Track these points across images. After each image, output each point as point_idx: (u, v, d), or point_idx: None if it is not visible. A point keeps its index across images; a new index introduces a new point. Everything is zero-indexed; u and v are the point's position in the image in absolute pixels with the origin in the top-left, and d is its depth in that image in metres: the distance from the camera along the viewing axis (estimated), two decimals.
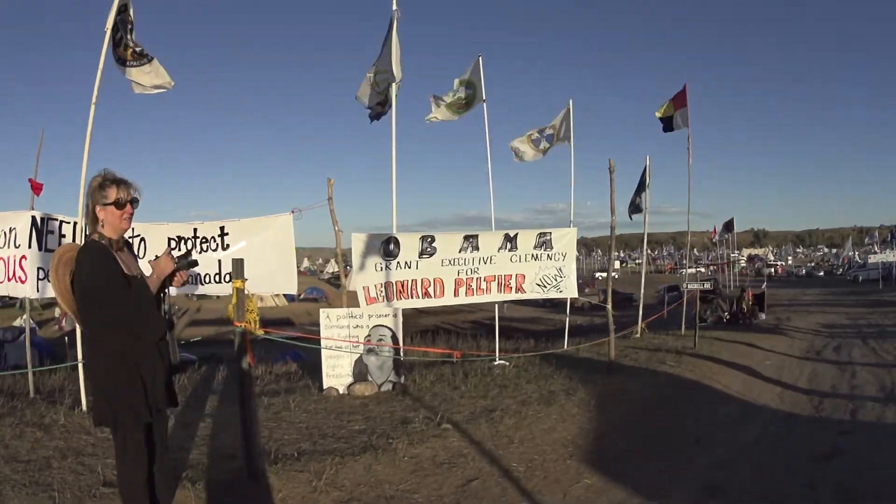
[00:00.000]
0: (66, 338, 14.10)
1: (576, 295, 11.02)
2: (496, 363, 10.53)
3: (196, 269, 8.09)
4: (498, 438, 6.71)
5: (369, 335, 8.93)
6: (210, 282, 8.54)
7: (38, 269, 7.56)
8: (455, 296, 9.95)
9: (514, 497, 5.33)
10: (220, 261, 8.51)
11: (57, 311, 34.51)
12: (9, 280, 7.65)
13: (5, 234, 7.67)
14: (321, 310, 9.20)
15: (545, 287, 10.40)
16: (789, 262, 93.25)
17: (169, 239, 8.40)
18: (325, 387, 8.59)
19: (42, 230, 7.64)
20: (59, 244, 7.56)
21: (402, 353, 9.12)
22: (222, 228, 8.55)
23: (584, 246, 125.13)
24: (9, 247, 7.65)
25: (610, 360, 10.33)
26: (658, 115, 15.42)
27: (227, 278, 8.43)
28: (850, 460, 6.38)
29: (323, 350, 8.68)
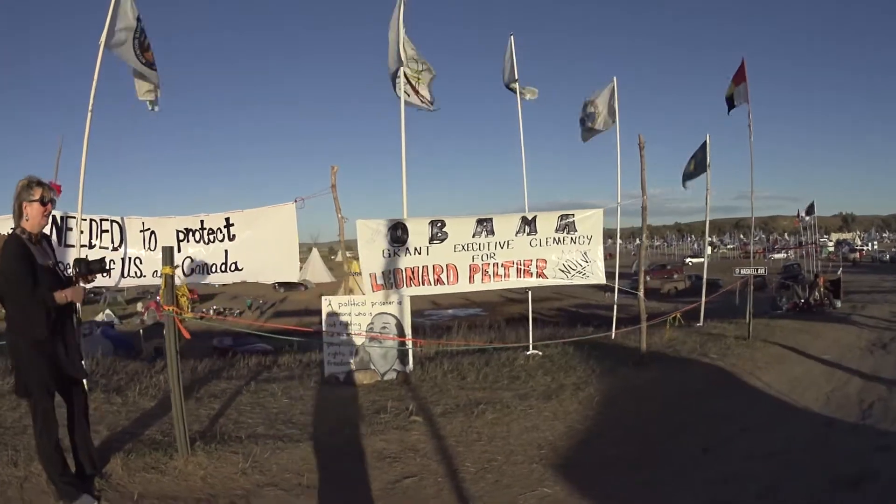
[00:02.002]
0: (142, 331, 15.00)
1: (603, 281, 10.02)
2: (529, 353, 9.90)
3: (203, 259, 8.32)
4: (466, 435, 6.23)
5: (372, 323, 8.59)
6: (216, 271, 8.58)
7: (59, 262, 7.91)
8: (470, 282, 9.42)
9: (447, 499, 4.87)
10: (226, 251, 8.55)
11: (139, 306, 36.14)
12: None
13: None
14: (322, 297, 8.88)
15: (569, 273, 9.62)
16: (874, 246, 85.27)
17: (177, 231, 8.58)
18: (326, 374, 8.40)
19: (61, 227, 7.91)
20: (78, 240, 7.73)
21: (408, 342, 8.64)
22: (227, 219, 8.57)
23: (678, 231, 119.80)
24: None
25: (642, 350, 9.48)
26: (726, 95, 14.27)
27: (233, 267, 8.51)
28: (881, 488, 5.11)
29: (325, 338, 8.46)
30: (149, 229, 8.47)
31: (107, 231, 8.28)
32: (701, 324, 13.44)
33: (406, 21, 9.22)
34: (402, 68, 9.34)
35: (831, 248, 75.60)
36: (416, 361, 9.09)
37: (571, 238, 9.52)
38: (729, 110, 14.44)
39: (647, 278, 52.77)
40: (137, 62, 7.64)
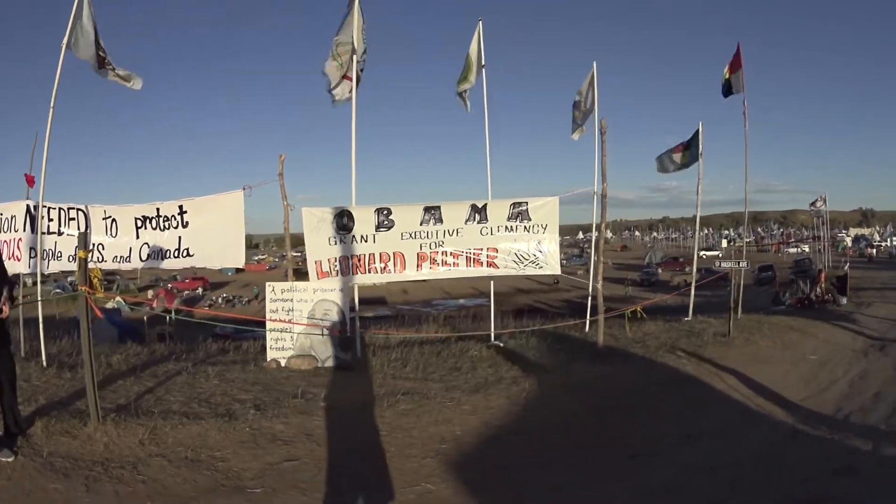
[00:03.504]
0: (146, 318, 14.73)
1: (558, 271, 8.89)
2: (490, 344, 9.02)
3: (159, 245, 8.33)
4: (370, 425, 5.72)
5: (313, 309, 7.97)
6: (170, 257, 8.38)
7: (31, 249, 8.13)
8: (418, 270, 8.54)
9: (321, 485, 4.54)
10: (180, 237, 8.36)
11: (150, 293, 36.26)
12: (9, 259, 8.06)
13: (7, 220, 8.32)
14: (267, 283, 8.37)
15: (521, 262, 8.52)
16: (894, 242, 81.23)
17: (135, 218, 8.39)
18: (267, 359, 7.86)
19: (34, 216, 8.07)
20: (48, 228, 8.07)
21: (347, 329, 8.04)
22: (181, 207, 8.37)
23: (693, 223, 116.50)
24: (10, 231, 8.30)
25: (598, 345, 8.50)
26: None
27: (185, 253, 8.33)
28: None
29: (268, 323, 7.96)
30: (110, 217, 8.38)
31: (73, 219, 8.28)
32: (689, 318, 11.95)
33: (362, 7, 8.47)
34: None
35: (848, 244, 69.77)
36: (369, 349, 8.57)
37: (525, 227, 8.53)
38: (726, 95, 13.40)
39: (659, 270, 51.71)
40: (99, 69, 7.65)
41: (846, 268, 19.79)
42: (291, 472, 4.68)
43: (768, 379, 7.97)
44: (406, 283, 41.80)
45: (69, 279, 40.96)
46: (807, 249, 53.12)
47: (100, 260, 8.45)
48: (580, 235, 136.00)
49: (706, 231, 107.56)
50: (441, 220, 8.46)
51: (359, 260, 8.41)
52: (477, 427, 5.89)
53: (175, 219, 8.32)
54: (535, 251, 8.57)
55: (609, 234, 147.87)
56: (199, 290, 44.19)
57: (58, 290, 35.85)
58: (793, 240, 74.79)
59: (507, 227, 8.54)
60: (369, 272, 8.49)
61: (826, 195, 28.44)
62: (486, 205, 8.57)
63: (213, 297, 39.21)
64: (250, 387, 6.65)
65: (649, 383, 7.42)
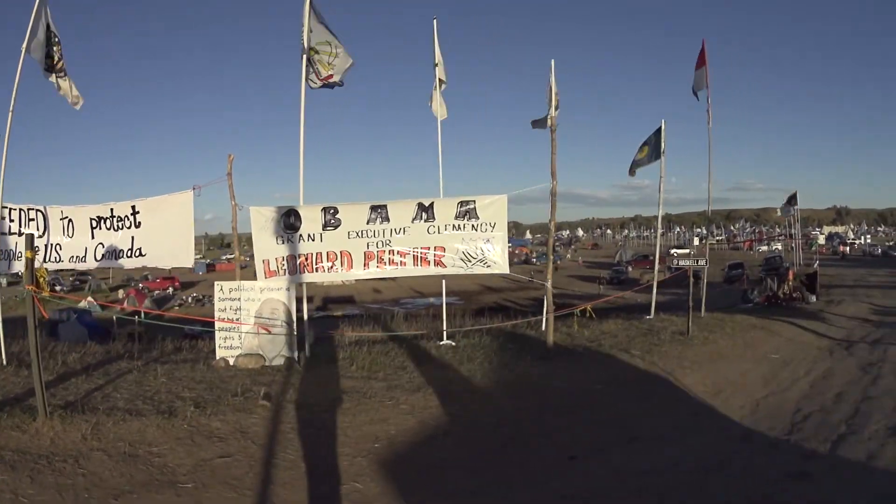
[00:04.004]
0: (115, 318, 14.32)
1: (507, 271, 8.49)
2: (442, 343, 8.70)
3: (114, 244, 8.25)
4: (306, 423, 5.56)
5: (261, 309, 7.69)
6: (123, 257, 8.23)
7: None
8: (365, 268, 8.13)
9: (251, 482, 4.43)
10: (133, 237, 8.22)
11: (121, 293, 35.54)
12: None
13: None
14: (215, 282, 8.03)
15: (469, 261, 8.08)
16: (867, 240, 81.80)
17: (90, 219, 8.27)
18: (216, 358, 7.59)
19: None
20: (8, 229, 8.08)
21: (294, 328, 7.75)
22: (133, 207, 8.24)
23: (668, 222, 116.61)
24: None
25: (548, 345, 8.06)
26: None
27: (138, 253, 8.18)
28: None
29: (217, 322, 7.70)
30: (66, 217, 8.27)
31: (33, 219, 8.18)
32: (651, 316, 11.55)
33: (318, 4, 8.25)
34: (308, 52, 8.34)
35: (821, 241, 68.77)
36: (321, 348, 8.36)
37: (472, 225, 8.13)
38: (697, 94, 13.11)
39: (629, 268, 51.60)
40: (51, 73, 7.62)
41: (816, 265, 19.59)
42: (223, 469, 4.61)
43: (726, 378, 7.54)
44: (375, 282, 41.67)
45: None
46: (779, 247, 53.36)
47: (57, 260, 8.32)
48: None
49: (678, 229, 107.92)
50: (388, 219, 8.09)
51: (306, 259, 8.05)
52: (412, 427, 5.66)
53: (128, 219, 8.21)
54: (483, 250, 8.16)
55: (580, 233, 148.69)
56: (170, 290, 43.42)
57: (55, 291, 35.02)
58: (765, 238, 75.16)
59: (454, 226, 8.14)
60: (317, 271, 8.11)
61: (797, 193, 28.38)
62: (432, 203, 8.16)
63: (184, 297, 38.49)
64: (195, 385, 6.52)
65: (597, 383, 6.97)
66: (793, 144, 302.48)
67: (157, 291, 40.78)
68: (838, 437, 5.54)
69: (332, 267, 8.11)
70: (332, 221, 8.06)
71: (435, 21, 9.15)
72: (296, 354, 7.68)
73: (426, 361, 7.63)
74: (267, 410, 5.71)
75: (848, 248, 62.72)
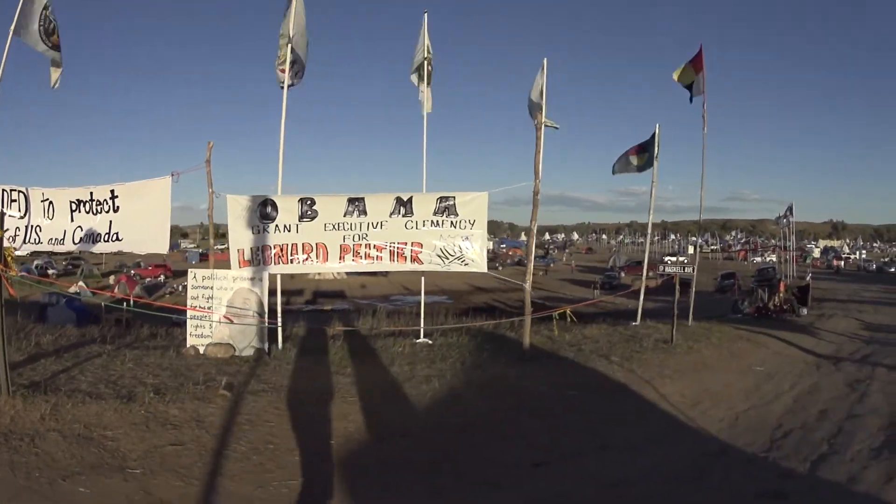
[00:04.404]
0: (103, 304, 14.33)
1: (485, 269, 8.14)
2: (419, 341, 8.45)
3: (92, 228, 8.10)
4: (262, 416, 5.39)
5: (232, 298, 7.52)
6: (101, 241, 8.13)
7: None
8: (340, 261, 7.84)
9: (200, 472, 4.35)
10: (111, 221, 8.11)
11: (111, 279, 35.23)
12: None
13: None
14: (189, 270, 7.94)
15: (447, 259, 7.76)
16: (863, 255, 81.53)
17: (70, 202, 8.16)
18: (187, 346, 7.43)
19: None
20: None
21: (266, 318, 7.60)
22: (112, 191, 8.13)
23: (664, 229, 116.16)
24: None
25: (524, 347, 7.77)
26: (675, 77, 12.45)
27: (115, 238, 8.07)
28: None
29: (189, 310, 7.56)
30: (47, 199, 8.13)
31: (15, 200, 8.09)
32: (636, 322, 11.17)
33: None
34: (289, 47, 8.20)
35: (816, 255, 69.23)
36: (294, 341, 8.19)
37: (451, 222, 7.84)
38: (691, 98, 12.87)
39: (622, 273, 51.10)
40: (44, 46, 7.59)
41: (808, 278, 19.33)
42: (174, 457, 4.53)
43: (707, 389, 7.12)
44: (366, 278, 41.25)
45: (35, 262, 39.82)
46: (774, 259, 53.14)
47: (36, 241, 8.25)
48: (546, 236, 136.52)
49: (674, 237, 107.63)
50: (365, 213, 7.79)
51: (281, 250, 7.77)
52: (371, 425, 5.45)
53: (107, 203, 8.09)
54: (461, 247, 7.84)
55: (576, 237, 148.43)
56: (162, 278, 43.02)
57: (23, 273, 34.72)
58: (759, 249, 74.96)
59: (433, 222, 7.83)
60: (292, 262, 7.83)
61: (793, 205, 28.06)
62: (411, 198, 7.85)
63: (175, 285, 38.10)
64: (161, 371, 6.39)
65: (572, 388, 6.61)
66: (791, 157, 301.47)
67: (148, 279, 40.27)
68: (819, 456, 5.15)
69: (307, 259, 7.81)
70: (309, 213, 7.77)
71: (426, 15, 8.91)
72: (266, 346, 7.44)
73: (398, 359, 7.34)
74: (226, 401, 5.54)
75: (842, 263, 62.21)
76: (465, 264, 7.89)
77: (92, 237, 8.09)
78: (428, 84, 9.00)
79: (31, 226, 8.22)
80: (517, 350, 7.79)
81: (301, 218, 7.79)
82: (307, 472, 4.50)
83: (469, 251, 7.85)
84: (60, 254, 38.59)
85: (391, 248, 7.85)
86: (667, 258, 58.54)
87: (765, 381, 7.98)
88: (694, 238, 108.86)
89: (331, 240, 7.80)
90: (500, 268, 48.04)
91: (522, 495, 4.36)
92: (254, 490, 4.16)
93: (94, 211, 8.11)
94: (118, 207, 8.03)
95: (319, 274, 35.02)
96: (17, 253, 8.12)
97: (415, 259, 7.86)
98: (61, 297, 14.39)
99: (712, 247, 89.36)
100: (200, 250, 67.99)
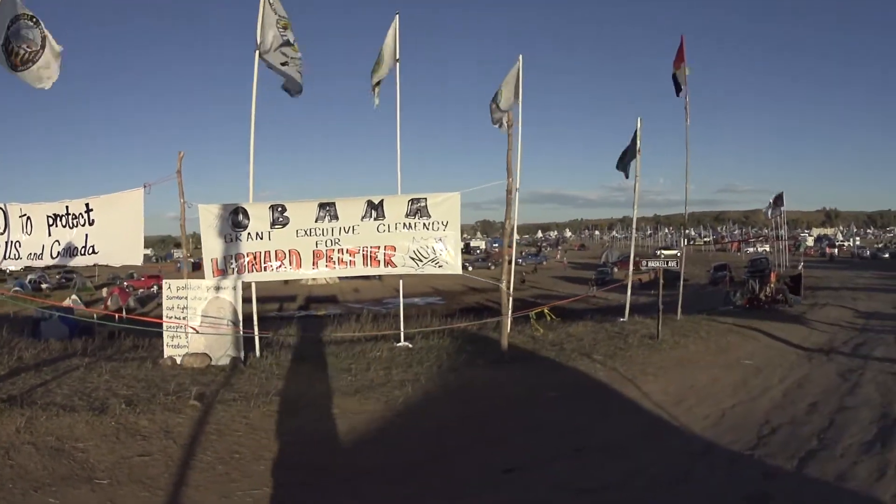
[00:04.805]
0: (95, 316, 14.07)
1: (459, 271, 7.85)
2: (399, 344, 8.28)
3: (70, 242, 8.06)
4: (230, 424, 5.31)
5: (207, 308, 7.38)
6: (78, 254, 8.04)
7: None
8: (314, 268, 7.61)
9: (165, 483, 4.33)
10: (87, 234, 8.04)
11: (104, 292, 34.87)
12: None
13: None
14: (164, 280, 7.85)
15: (420, 261, 7.49)
16: (856, 242, 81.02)
17: (47, 217, 8.10)
18: (164, 356, 7.31)
19: None
20: None
21: (240, 328, 7.39)
22: (87, 205, 8.05)
23: (657, 223, 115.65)
24: None
25: (502, 348, 7.50)
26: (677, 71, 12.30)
27: (91, 250, 7.99)
28: None
29: (165, 320, 7.42)
30: (25, 215, 8.10)
31: None
32: (624, 319, 10.85)
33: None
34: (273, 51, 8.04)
35: (810, 243, 67.57)
36: (273, 349, 8.04)
37: (424, 224, 7.61)
38: (678, 92, 12.70)
39: (615, 269, 50.71)
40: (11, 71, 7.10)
41: (800, 267, 19.07)
42: (141, 467, 4.51)
43: (692, 386, 6.81)
44: (359, 282, 40.75)
45: (28, 277, 39.46)
46: (767, 249, 52.98)
47: (16, 257, 8.23)
48: (539, 234, 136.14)
49: (666, 230, 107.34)
50: (337, 217, 7.56)
51: (254, 258, 7.55)
52: (342, 431, 5.31)
53: (82, 216, 8.01)
54: (434, 249, 7.60)
55: (568, 234, 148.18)
56: (154, 289, 42.65)
57: (17, 289, 34.12)
58: (751, 239, 74.66)
59: (405, 225, 7.58)
60: (265, 270, 7.60)
61: (783, 194, 27.71)
62: (382, 201, 7.60)
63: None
64: (135, 383, 6.32)
65: (551, 389, 6.31)
66: (782, 147, 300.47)
67: (141, 290, 39.89)
68: (807, 453, 4.84)
69: (280, 266, 7.59)
70: (280, 219, 7.55)
71: (397, 16, 8.79)
72: (242, 354, 7.27)
73: (375, 363, 7.11)
74: (196, 411, 5.46)
75: (836, 251, 61.77)
76: (440, 266, 7.61)
77: (69, 251, 8.02)
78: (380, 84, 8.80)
79: (11, 241, 8.20)
80: (497, 351, 7.47)
81: (273, 225, 7.58)
82: (272, 482, 4.39)
83: (443, 253, 7.58)
84: (53, 268, 38.22)
85: (364, 253, 7.61)
86: (659, 251, 58.29)
87: (753, 374, 7.69)
88: (687, 231, 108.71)
89: (303, 246, 7.58)
90: (493, 267, 47.71)
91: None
92: (218, 500, 4.10)
93: (71, 225, 8.04)
94: (93, 220, 7.93)
95: (313, 279, 34.64)
96: (11, 268, 7.99)
97: (388, 262, 7.59)
98: (54, 311, 14.53)
99: (705, 239, 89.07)
100: (193, 260, 67.58)
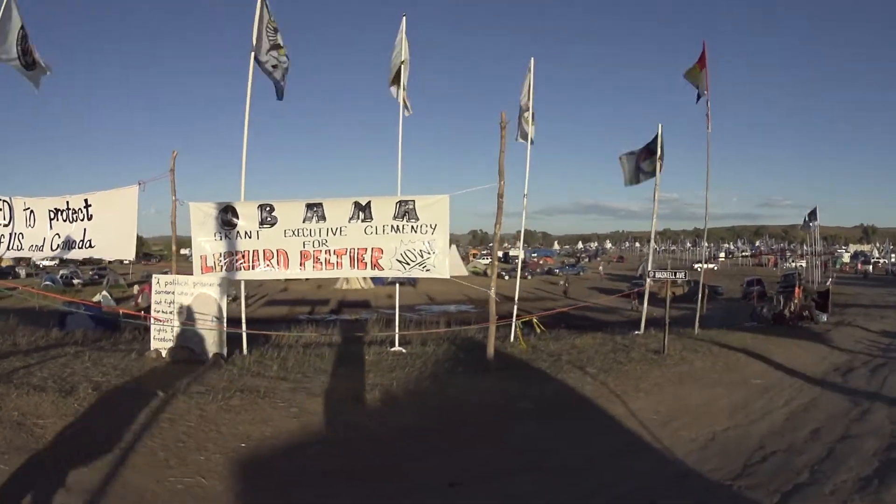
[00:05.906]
0: (121, 311, 14.50)
1: (447, 275, 7.58)
2: (392, 349, 8.16)
3: (69, 235, 8.27)
4: (187, 415, 5.40)
5: (192, 303, 7.44)
6: (76, 248, 8.22)
7: None
8: (301, 268, 7.55)
9: (104, 462, 4.44)
10: (85, 229, 8.24)
11: (135, 289, 35.45)
12: None
13: None
14: (153, 275, 7.88)
15: (408, 264, 7.29)
16: (892, 259, 77.17)
17: (49, 210, 8.34)
18: (151, 349, 7.43)
19: None
20: None
21: (224, 324, 7.43)
22: (86, 200, 8.21)
23: (697, 237, 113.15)
24: None
25: (488, 357, 7.25)
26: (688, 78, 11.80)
27: (88, 244, 8.19)
28: None
29: (152, 314, 7.56)
30: (28, 208, 8.35)
31: (0, 209, 8.35)
32: (640, 332, 10.38)
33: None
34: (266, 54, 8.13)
35: (846, 260, 65.01)
36: (262, 347, 8.09)
37: (412, 226, 7.42)
38: (698, 98, 12.15)
39: (650, 282, 49.46)
40: (22, 69, 7.55)
41: (829, 283, 18.08)
42: (89, 445, 4.66)
43: (686, 405, 6.34)
44: (391, 288, 40.59)
45: (60, 273, 40.56)
46: (802, 264, 51.13)
47: (19, 248, 8.42)
48: (579, 245, 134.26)
49: (705, 244, 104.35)
50: (324, 218, 7.48)
51: (243, 256, 7.55)
52: (292, 431, 5.22)
53: (81, 211, 8.21)
54: (422, 252, 7.40)
55: (609, 245, 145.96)
56: None
57: (48, 283, 34.35)
58: (789, 254, 71.98)
59: (393, 227, 7.41)
60: (253, 269, 7.59)
61: (817, 209, 26.39)
62: (369, 202, 7.45)
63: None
64: (112, 371, 6.46)
65: (529, 401, 6.01)
66: (823, 162, 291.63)
67: None
68: (793, 487, 4.33)
69: (268, 265, 7.57)
70: (269, 219, 7.53)
71: (404, 18, 8.65)
72: (225, 351, 7.31)
73: (356, 366, 7.01)
74: (157, 400, 5.55)
75: (871, 267, 59.16)
76: (427, 270, 7.41)
77: (68, 244, 8.19)
78: (405, 87, 8.61)
79: (15, 233, 8.44)
80: (484, 360, 7.18)
81: (261, 224, 7.56)
82: (206, 471, 4.42)
83: (430, 257, 7.37)
84: (87, 263, 39.20)
85: (352, 254, 7.49)
86: (696, 265, 56.84)
87: (758, 395, 7.11)
88: (726, 245, 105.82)
89: (291, 246, 7.53)
90: (530, 276, 47.79)
91: None
92: (151, 483, 4.17)
93: (70, 219, 8.23)
94: (91, 215, 8.11)
95: (347, 283, 34.73)
96: (45, 263, 8.16)
97: (375, 265, 7.45)
98: (81, 305, 14.75)
99: (743, 253, 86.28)
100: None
